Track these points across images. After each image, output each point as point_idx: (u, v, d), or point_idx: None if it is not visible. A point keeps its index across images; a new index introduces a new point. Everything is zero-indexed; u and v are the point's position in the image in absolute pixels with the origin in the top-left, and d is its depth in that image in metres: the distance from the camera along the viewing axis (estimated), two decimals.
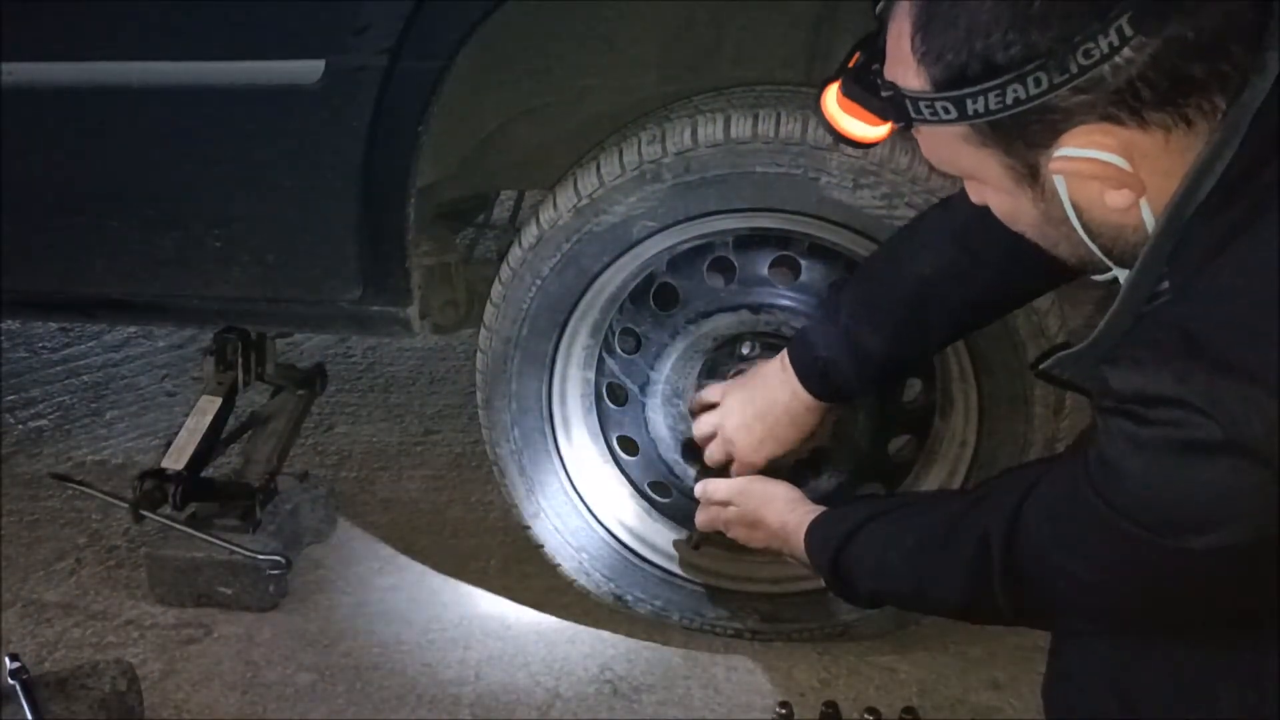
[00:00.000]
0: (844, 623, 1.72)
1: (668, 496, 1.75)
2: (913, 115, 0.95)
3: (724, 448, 1.55)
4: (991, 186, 1.01)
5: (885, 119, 1.01)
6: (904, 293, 1.38)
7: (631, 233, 1.56)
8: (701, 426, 1.58)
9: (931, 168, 1.36)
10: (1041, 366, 1.11)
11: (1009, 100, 0.89)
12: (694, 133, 1.50)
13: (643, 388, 1.69)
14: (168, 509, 1.88)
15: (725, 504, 1.54)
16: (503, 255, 1.68)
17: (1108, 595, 1.04)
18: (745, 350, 1.62)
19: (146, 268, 1.74)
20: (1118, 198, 0.93)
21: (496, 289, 1.65)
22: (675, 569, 1.77)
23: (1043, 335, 1.48)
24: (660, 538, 1.78)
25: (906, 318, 1.39)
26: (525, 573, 1.94)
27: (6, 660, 1.51)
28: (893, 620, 1.70)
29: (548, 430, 1.73)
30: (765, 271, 1.60)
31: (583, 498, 1.77)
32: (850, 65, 1.04)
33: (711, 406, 1.57)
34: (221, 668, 1.76)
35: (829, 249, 1.58)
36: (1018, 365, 1.51)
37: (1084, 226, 0.98)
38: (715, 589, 1.77)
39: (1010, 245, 1.09)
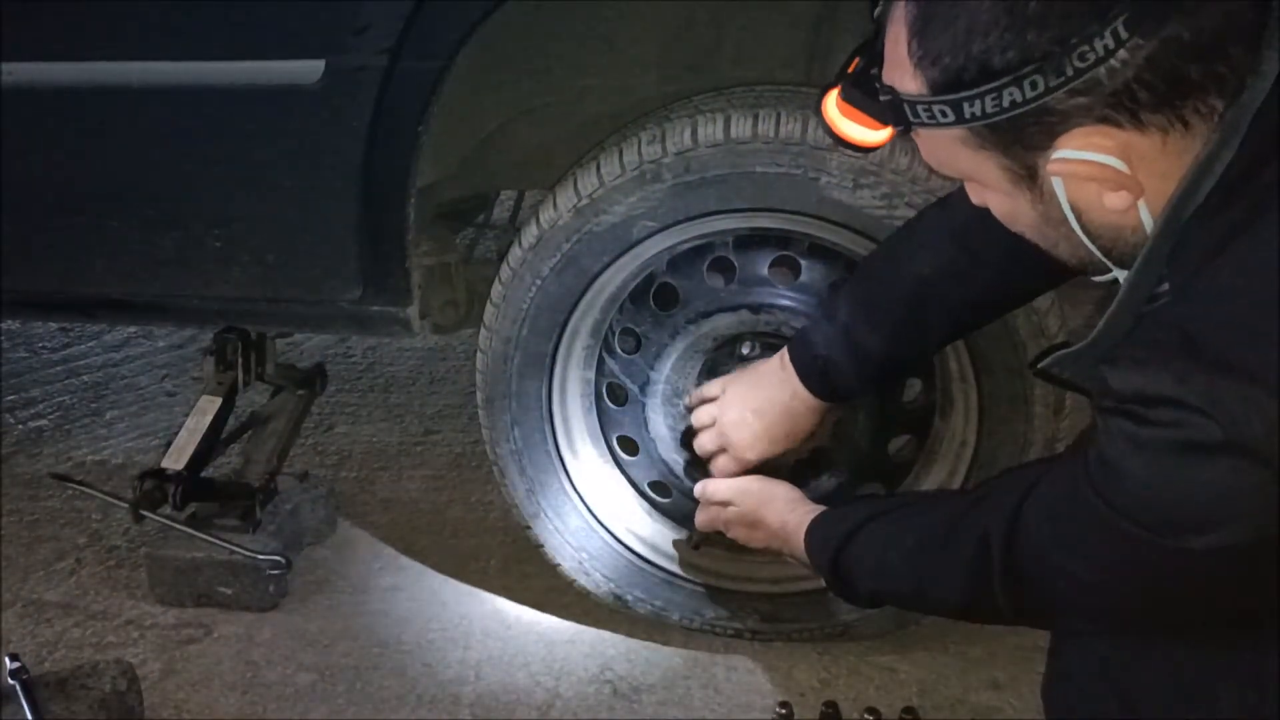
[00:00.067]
0: (844, 623, 1.72)
1: (668, 496, 1.75)
2: (911, 119, 0.95)
3: (718, 440, 1.55)
4: (990, 188, 1.01)
5: (884, 123, 1.01)
6: (903, 292, 1.38)
7: (631, 233, 1.56)
8: (699, 417, 1.58)
9: (931, 168, 1.36)
10: (1041, 366, 1.11)
11: (1006, 103, 0.89)
12: (694, 133, 1.50)
13: (643, 388, 1.69)
14: (168, 509, 1.88)
15: (725, 504, 1.54)
16: (503, 255, 1.68)
17: (1108, 595, 1.04)
18: (745, 350, 1.62)
19: (146, 268, 1.74)
20: (1116, 199, 0.93)
21: (496, 289, 1.65)
22: (675, 569, 1.77)
23: (1043, 335, 1.48)
24: (660, 538, 1.78)
25: (906, 317, 1.39)
26: (525, 573, 1.94)
27: (6, 660, 1.51)
28: (893, 620, 1.70)
29: (548, 430, 1.73)
30: (765, 271, 1.60)
31: (583, 498, 1.77)
32: (849, 70, 1.04)
33: (710, 401, 1.57)
34: (221, 668, 1.76)
35: (829, 249, 1.58)
36: (1018, 365, 1.51)
37: (1083, 228, 0.98)
38: (715, 589, 1.77)
39: (1010, 245, 1.09)
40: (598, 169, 1.54)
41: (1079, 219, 0.97)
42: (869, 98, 1.01)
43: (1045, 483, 1.10)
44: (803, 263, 1.60)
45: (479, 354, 1.70)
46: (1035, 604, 1.12)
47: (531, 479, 1.74)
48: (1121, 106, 0.87)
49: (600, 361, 1.72)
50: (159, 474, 1.88)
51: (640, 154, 1.52)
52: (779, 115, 1.47)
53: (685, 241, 1.61)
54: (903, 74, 0.94)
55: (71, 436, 2.48)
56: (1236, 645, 1.01)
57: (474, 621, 1.85)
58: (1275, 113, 0.88)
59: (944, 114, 0.92)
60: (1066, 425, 1.56)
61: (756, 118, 1.48)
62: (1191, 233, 0.92)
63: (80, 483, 2.15)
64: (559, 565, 1.79)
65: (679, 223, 1.55)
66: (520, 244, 1.62)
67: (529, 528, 1.77)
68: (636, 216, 1.54)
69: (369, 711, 1.67)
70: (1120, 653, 1.09)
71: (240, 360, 1.98)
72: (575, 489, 1.77)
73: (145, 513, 1.87)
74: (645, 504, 1.79)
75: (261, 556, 1.84)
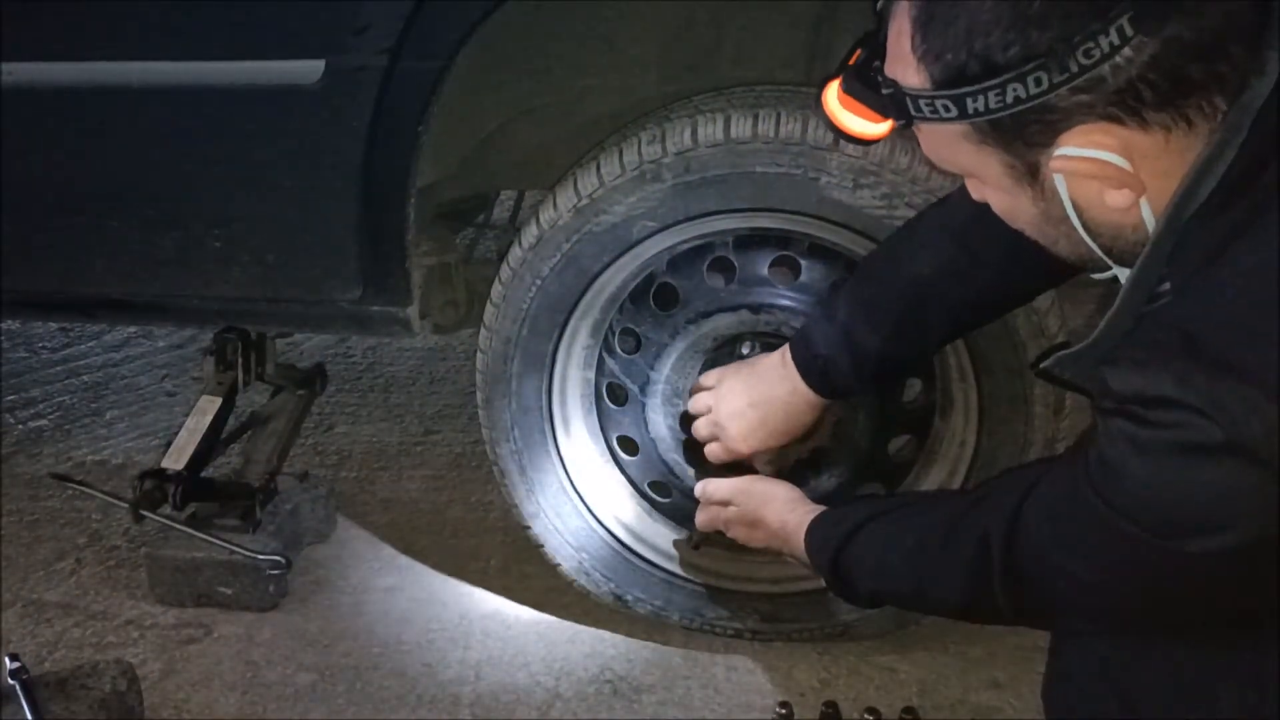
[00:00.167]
0: (844, 623, 1.72)
1: (668, 496, 1.75)
2: (913, 113, 0.95)
3: (712, 430, 1.55)
4: (991, 185, 1.01)
5: (886, 116, 1.01)
6: (903, 292, 1.38)
7: (631, 233, 1.56)
8: (695, 404, 1.57)
9: (931, 167, 1.36)
10: (1041, 366, 1.11)
11: (1009, 99, 0.89)
12: (694, 133, 1.50)
13: (643, 388, 1.69)
14: (168, 509, 1.88)
15: (725, 504, 1.54)
16: (503, 255, 1.68)
17: (1107, 595, 1.04)
18: (745, 350, 1.62)
19: (146, 268, 1.74)
20: (1118, 197, 0.93)
21: (496, 289, 1.65)
22: (675, 569, 1.77)
23: (1043, 335, 1.48)
24: (660, 538, 1.78)
25: (905, 317, 1.39)
26: (525, 573, 1.94)
27: (6, 660, 1.51)
28: (893, 620, 1.70)
29: (548, 430, 1.73)
30: (765, 271, 1.60)
31: (583, 498, 1.77)
32: (851, 62, 1.04)
33: (708, 390, 1.57)
34: (221, 668, 1.76)
35: (829, 249, 1.58)
36: (1018, 365, 1.51)
37: (1084, 225, 0.98)
38: (715, 589, 1.77)
39: (1010, 244, 1.09)
40: (598, 169, 1.54)
41: (1080, 216, 0.97)
42: (870, 90, 1.01)
43: (1045, 483, 1.10)
44: (803, 263, 1.60)
45: (479, 354, 1.70)
46: (1035, 604, 1.12)
47: (531, 479, 1.74)
48: (1125, 104, 0.87)
49: (600, 361, 1.72)
50: (159, 474, 1.88)
51: (640, 154, 1.52)
52: (779, 115, 1.47)
53: (685, 241, 1.61)
54: (906, 68, 0.94)
55: (71, 436, 2.48)
56: (1236, 645, 1.01)
57: (474, 621, 1.85)
58: (1276, 113, 0.88)
59: (947, 109, 0.92)
60: (1066, 425, 1.56)
61: (756, 118, 1.48)
62: (1192, 232, 0.92)
63: (80, 483, 2.15)
64: (559, 565, 1.79)
65: (679, 223, 1.55)
66: (520, 244, 1.62)
67: (529, 528, 1.77)
68: (636, 216, 1.54)
69: (369, 711, 1.67)
70: (1120, 653, 1.09)
71: (240, 360, 1.98)
72: (575, 489, 1.77)
73: (145, 513, 1.87)
74: (645, 504, 1.79)
75: (261, 556, 1.84)
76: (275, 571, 1.86)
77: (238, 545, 1.85)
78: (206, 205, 1.67)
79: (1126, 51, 0.85)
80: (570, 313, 1.63)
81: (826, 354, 1.43)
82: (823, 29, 1.75)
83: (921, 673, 1.70)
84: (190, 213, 1.68)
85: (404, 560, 2.01)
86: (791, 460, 1.62)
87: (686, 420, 1.62)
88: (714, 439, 1.55)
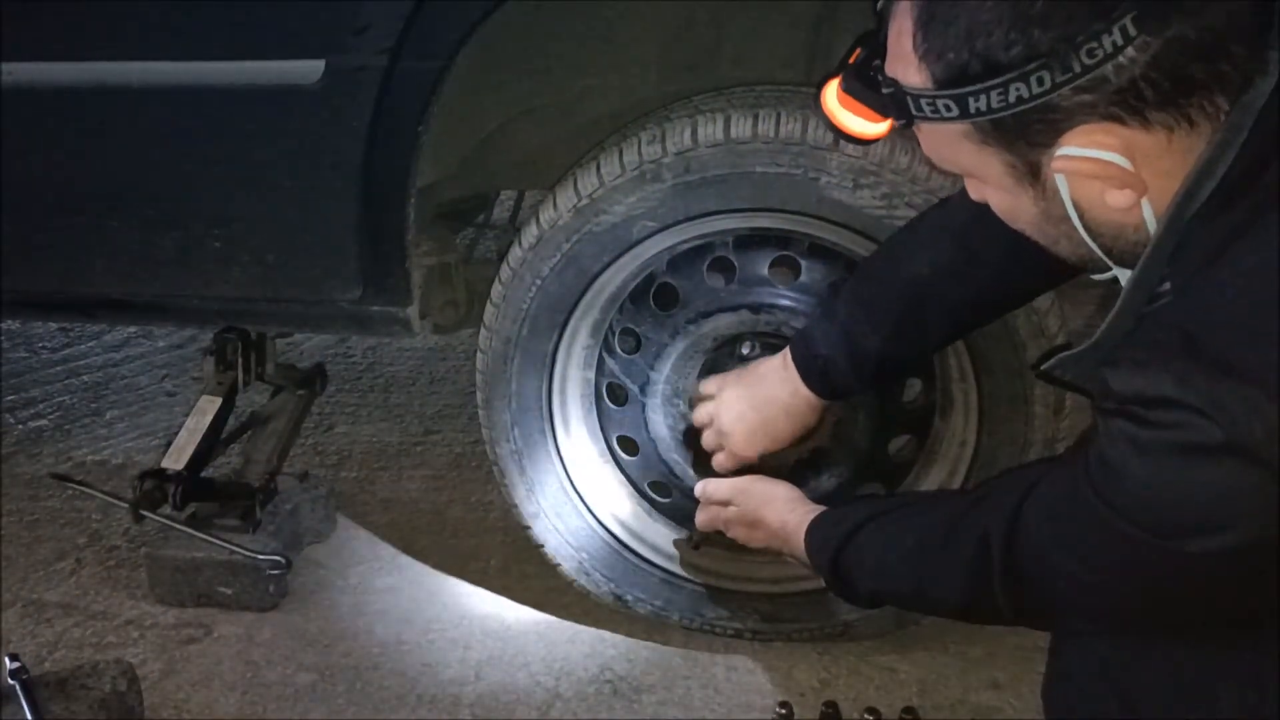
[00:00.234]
0: (844, 623, 1.72)
1: (668, 496, 1.75)
2: (914, 113, 0.95)
3: (717, 438, 1.55)
4: (992, 184, 1.01)
5: (886, 116, 1.01)
6: (903, 292, 1.38)
7: (631, 233, 1.56)
8: (698, 415, 1.58)
9: (932, 167, 1.36)
10: (1042, 368, 1.11)
11: (1011, 99, 0.89)
12: (694, 133, 1.50)
13: (643, 388, 1.69)
14: (168, 509, 1.88)
15: (725, 504, 1.54)
16: (503, 255, 1.68)
17: (1107, 595, 1.04)
18: (745, 350, 1.62)
19: (146, 268, 1.74)
20: (1119, 197, 0.93)
21: (496, 289, 1.65)
22: (675, 569, 1.77)
23: (1043, 335, 1.48)
24: (660, 538, 1.78)
25: (905, 317, 1.39)
26: (525, 573, 1.94)
27: (6, 660, 1.51)
28: (893, 620, 1.70)
29: (548, 430, 1.73)
30: (765, 271, 1.60)
31: (583, 498, 1.77)
32: (851, 61, 1.04)
33: (709, 399, 1.57)
34: (221, 668, 1.76)
35: (829, 249, 1.58)
36: (1018, 365, 1.51)
37: (1085, 226, 0.98)
38: (715, 589, 1.77)
39: (1010, 244, 1.09)
40: (598, 169, 1.54)
41: (1081, 217, 0.97)
42: (870, 90, 1.01)
43: (1045, 483, 1.09)
44: (803, 263, 1.60)
45: (479, 354, 1.70)
46: (1035, 604, 1.12)
47: (531, 479, 1.74)
48: (1127, 104, 0.87)
49: (600, 361, 1.72)
50: (159, 474, 1.88)
51: (640, 154, 1.52)
52: (779, 115, 1.47)
53: (685, 241, 1.61)
54: (907, 67, 0.94)
55: (71, 436, 2.48)
56: (1236, 645, 1.01)
57: (474, 621, 1.85)
58: (1277, 113, 0.88)
59: (948, 108, 0.92)
60: (1066, 425, 1.56)
61: (756, 118, 1.48)
62: (1193, 233, 0.92)
63: (80, 483, 2.15)
64: (559, 565, 1.79)
65: (679, 223, 1.55)
66: (520, 244, 1.62)
67: (529, 528, 1.77)
68: (636, 216, 1.54)
69: (369, 711, 1.67)
70: (1120, 653, 1.09)
71: (240, 360, 1.98)
72: (575, 489, 1.77)
73: (145, 513, 1.87)
74: (645, 504, 1.79)
75: (261, 556, 1.84)
76: (275, 571, 1.86)
77: (238, 545, 1.85)
78: (206, 205, 1.67)
79: (1129, 51, 0.85)
80: (570, 313, 1.63)
81: (826, 354, 1.43)
82: (823, 29, 1.75)
83: (921, 673, 1.70)
84: (190, 213, 1.68)
85: (404, 560, 2.02)
86: (791, 460, 1.62)
87: (691, 434, 1.61)
88: (720, 448, 1.55)
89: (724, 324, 1.62)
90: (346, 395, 2.61)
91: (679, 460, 1.71)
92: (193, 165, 1.64)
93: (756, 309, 1.60)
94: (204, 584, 1.87)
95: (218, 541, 1.85)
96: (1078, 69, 0.86)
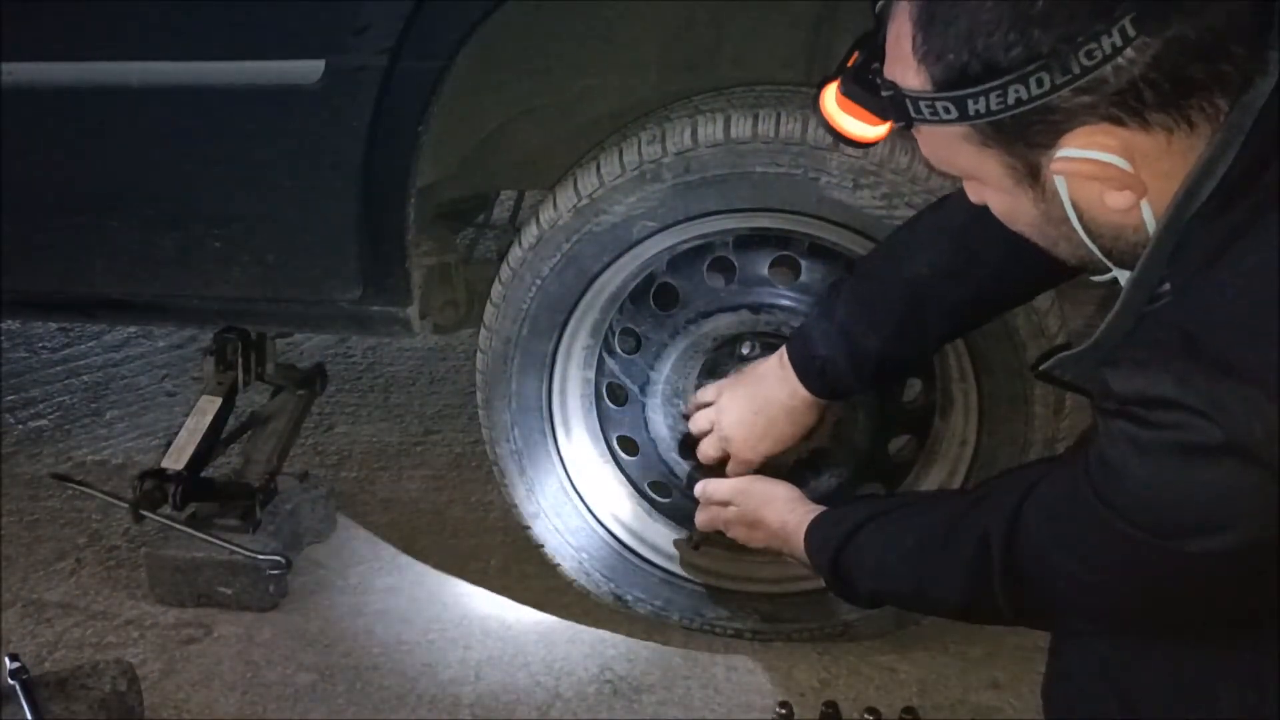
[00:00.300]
0: (844, 623, 1.72)
1: (668, 496, 1.75)
2: (913, 115, 0.95)
3: (720, 444, 1.55)
4: (991, 186, 1.01)
5: (885, 118, 1.01)
6: (902, 292, 1.38)
7: (631, 233, 1.56)
8: (698, 423, 1.57)
9: (931, 167, 1.35)
10: (1042, 368, 1.11)
11: (1010, 101, 0.89)
12: (694, 133, 1.50)
13: (643, 388, 1.69)
14: (168, 509, 1.88)
15: (725, 504, 1.54)
16: (503, 255, 1.68)
17: (1107, 595, 1.04)
18: (745, 350, 1.62)
19: (146, 268, 1.74)
20: (1119, 199, 0.93)
21: (496, 289, 1.65)
22: (675, 569, 1.77)
23: (1043, 335, 1.48)
24: (660, 538, 1.78)
25: (904, 317, 1.39)
26: (525, 573, 1.94)
27: (6, 660, 1.50)
28: (893, 620, 1.70)
29: (548, 430, 1.73)
30: (765, 271, 1.60)
31: (583, 498, 1.77)
32: (849, 64, 1.04)
33: (707, 406, 1.57)
34: (221, 668, 1.76)
35: (829, 249, 1.58)
36: (1018, 365, 1.51)
37: (1084, 227, 0.98)
38: (715, 589, 1.77)
39: (1009, 244, 1.09)
40: (598, 169, 1.54)
41: (1081, 218, 0.97)
42: (869, 93, 1.01)
43: (1046, 483, 1.09)
44: (803, 263, 1.60)
45: (479, 354, 1.70)
46: (1035, 604, 1.12)
47: (531, 479, 1.74)
48: (1126, 105, 0.87)
49: (600, 361, 1.72)
50: (159, 474, 1.88)
51: (640, 154, 1.52)
52: (779, 115, 1.47)
53: (685, 241, 1.61)
54: (906, 69, 0.94)
55: (71, 436, 2.48)
56: (1236, 645, 1.01)
57: (474, 621, 1.86)
58: (1277, 114, 0.88)
59: (947, 110, 0.92)
60: (1066, 425, 1.56)
61: (756, 118, 1.48)
62: (1193, 233, 0.92)
63: (80, 483, 2.15)
64: (559, 565, 1.79)
65: (679, 223, 1.55)
66: (520, 244, 1.62)
67: (529, 528, 1.77)
68: (636, 216, 1.54)
69: (369, 711, 1.67)
70: (1120, 653, 1.09)
71: (240, 360, 1.98)
72: (575, 489, 1.77)
73: (145, 513, 1.87)
74: (645, 504, 1.79)
75: (261, 556, 1.84)
76: (275, 571, 1.86)
77: (238, 545, 1.85)
78: (206, 205, 1.67)
79: (1129, 52, 0.85)
80: (570, 313, 1.63)
81: (825, 354, 1.43)
82: (823, 29, 1.75)
83: (921, 673, 1.70)
84: (190, 213, 1.68)
85: (404, 560, 2.02)
86: (791, 460, 1.62)
87: (690, 441, 1.62)
88: (723, 454, 1.55)
89: (724, 324, 1.62)
90: (346, 395, 2.61)
91: (679, 460, 1.71)
92: (193, 165, 1.64)
93: (756, 309, 1.60)
94: (204, 584, 1.87)
95: (218, 541, 1.85)
96: (1077, 70, 0.86)
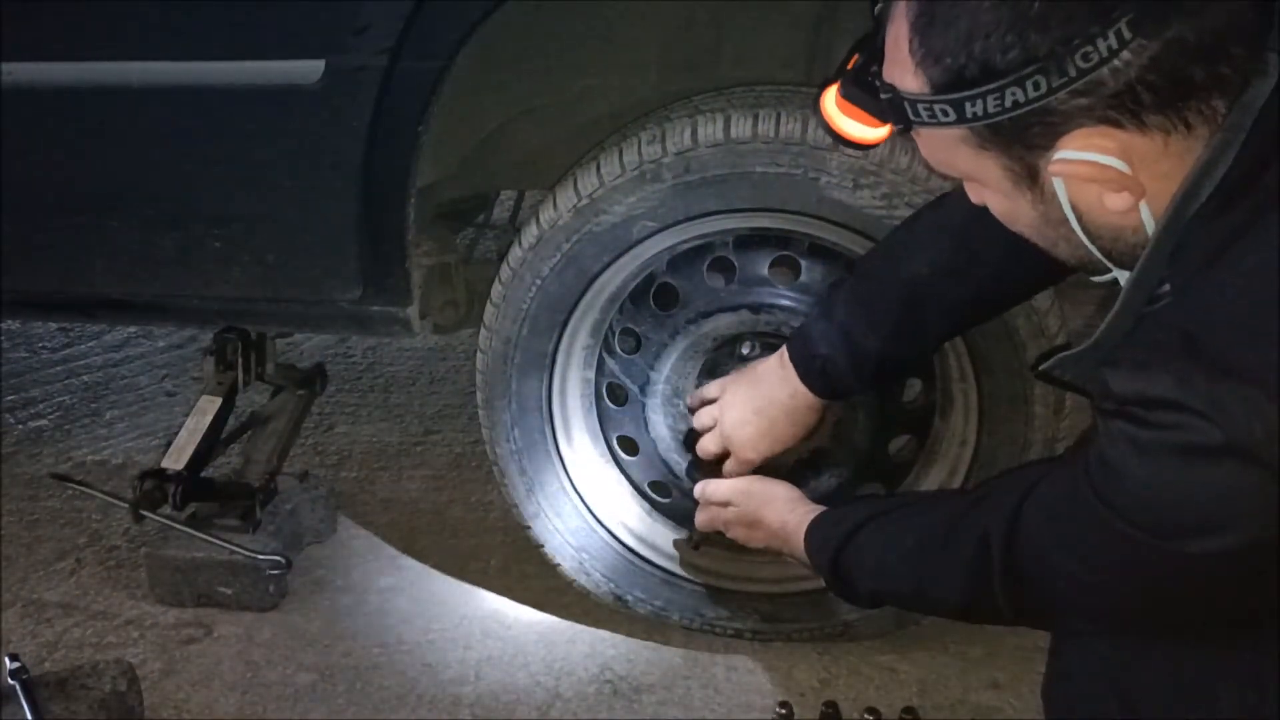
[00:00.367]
0: (844, 623, 1.72)
1: (668, 496, 1.75)
2: (911, 117, 0.95)
3: (720, 442, 1.55)
4: (990, 188, 1.01)
5: (884, 121, 1.01)
6: (901, 291, 1.38)
7: (631, 233, 1.56)
8: (700, 419, 1.58)
9: (931, 169, 1.35)
10: (1042, 368, 1.11)
11: (1008, 103, 0.89)
12: (694, 133, 1.50)
13: (643, 388, 1.69)
14: (168, 509, 1.88)
15: (725, 504, 1.54)
16: (503, 255, 1.68)
17: (1107, 596, 1.04)
18: (745, 350, 1.62)
19: (146, 268, 1.74)
20: (1117, 200, 0.93)
21: (496, 289, 1.65)
22: (675, 569, 1.77)
23: (1043, 335, 1.48)
24: (660, 538, 1.79)
25: (904, 316, 1.39)
26: (525, 573, 1.94)
27: (6, 660, 1.51)
28: (893, 620, 1.70)
29: (548, 430, 1.73)
30: (765, 271, 1.60)
31: (583, 498, 1.77)
32: (849, 67, 1.04)
33: (711, 403, 1.57)
34: (221, 668, 1.76)
35: (829, 249, 1.58)
36: (1018, 365, 1.51)
37: (1083, 228, 0.98)
38: (715, 589, 1.77)
39: (1008, 243, 1.09)
40: (598, 169, 1.54)
41: (1079, 220, 0.97)
42: (869, 95, 1.01)
43: (1046, 483, 1.09)
44: (803, 263, 1.60)
45: (479, 354, 1.70)
46: (1035, 604, 1.12)
47: (531, 479, 1.74)
48: (1124, 107, 0.87)
49: (600, 361, 1.72)
50: (159, 474, 1.88)
51: (640, 154, 1.52)
52: (779, 115, 1.47)
53: (685, 241, 1.61)
54: (904, 72, 0.94)
55: (71, 436, 2.48)
56: (1236, 645, 1.01)
57: (474, 621, 1.86)
58: (1276, 115, 0.88)
59: (945, 113, 0.92)
60: (1066, 425, 1.56)
61: (756, 118, 1.48)
62: (1193, 234, 0.92)
63: (80, 483, 2.15)
64: (559, 565, 1.79)
65: (679, 223, 1.55)
66: (520, 244, 1.62)
67: (529, 528, 1.77)
68: (636, 216, 1.54)
69: (369, 711, 1.67)
70: (1120, 653, 1.09)
71: (240, 360, 1.98)
72: (575, 489, 1.77)
73: (145, 513, 1.87)
74: (645, 504, 1.79)
75: (261, 556, 1.84)
76: (275, 571, 1.86)
77: (238, 545, 1.85)
78: (206, 205, 1.67)
79: (1126, 54, 0.85)
80: (570, 313, 1.63)
81: (825, 354, 1.43)
82: (823, 29, 1.75)
83: (921, 673, 1.70)
84: (190, 213, 1.68)
85: (404, 560, 2.02)
86: (791, 460, 1.62)
87: (692, 436, 1.62)
88: (723, 451, 1.55)
89: (724, 324, 1.62)
90: (346, 395, 2.61)
91: (679, 460, 1.71)
92: (193, 165, 1.64)
93: (756, 309, 1.60)
94: (204, 584, 1.87)
95: (218, 541, 1.85)
96: (1073, 73, 0.86)
